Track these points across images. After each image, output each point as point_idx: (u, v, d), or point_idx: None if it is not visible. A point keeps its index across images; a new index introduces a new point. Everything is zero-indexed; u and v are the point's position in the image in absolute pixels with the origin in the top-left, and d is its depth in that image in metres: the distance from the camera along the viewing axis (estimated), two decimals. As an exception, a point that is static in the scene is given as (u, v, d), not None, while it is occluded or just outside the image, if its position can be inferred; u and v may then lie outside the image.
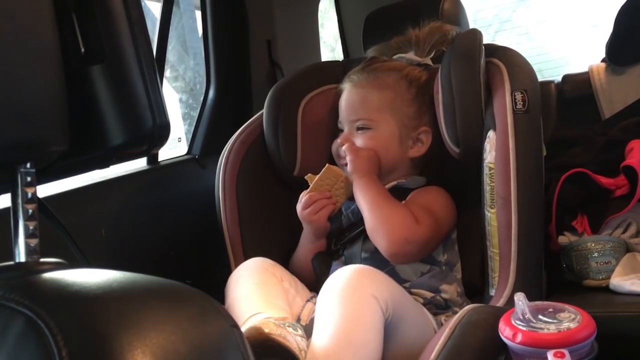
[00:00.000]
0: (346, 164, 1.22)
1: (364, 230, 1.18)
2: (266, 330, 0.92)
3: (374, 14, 1.60)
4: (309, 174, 1.23)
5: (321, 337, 0.94)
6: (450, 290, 1.16)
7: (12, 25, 0.47)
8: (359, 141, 1.23)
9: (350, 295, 0.96)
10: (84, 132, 0.55)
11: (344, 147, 1.22)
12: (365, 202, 1.16)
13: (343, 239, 1.22)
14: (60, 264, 0.49)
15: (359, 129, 1.24)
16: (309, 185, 1.22)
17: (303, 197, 1.23)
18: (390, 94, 1.24)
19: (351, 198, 1.22)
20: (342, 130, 1.28)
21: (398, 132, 1.23)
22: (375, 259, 1.16)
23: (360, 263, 1.17)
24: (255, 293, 1.10)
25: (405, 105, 1.24)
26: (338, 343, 0.92)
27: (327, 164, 1.23)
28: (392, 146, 1.23)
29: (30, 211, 0.51)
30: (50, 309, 0.40)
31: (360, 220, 1.20)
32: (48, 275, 0.46)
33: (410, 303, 1.08)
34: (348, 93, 1.27)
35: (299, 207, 1.23)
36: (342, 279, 0.98)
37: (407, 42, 1.33)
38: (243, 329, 0.95)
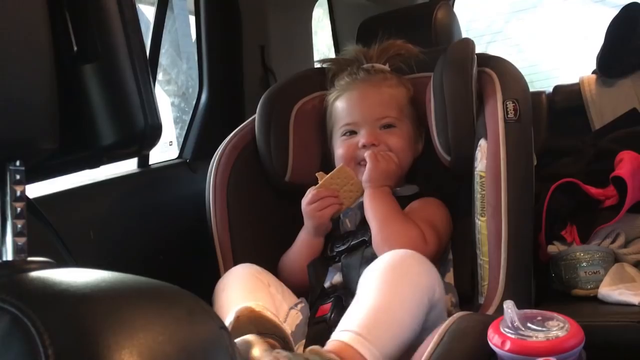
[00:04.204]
0: (360, 163, 1.21)
1: (365, 241, 1.17)
2: (258, 310, 0.93)
3: (367, 22, 1.61)
4: (320, 172, 1.23)
5: (362, 304, 0.94)
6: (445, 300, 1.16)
7: (3, 22, 0.47)
8: (389, 139, 1.22)
9: (403, 278, 0.96)
10: (75, 131, 0.55)
11: (366, 153, 1.20)
12: (375, 214, 1.15)
13: (340, 246, 1.22)
14: (48, 263, 0.49)
15: (384, 127, 1.24)
16: (318, 183, 1.21)
17: (310, 192, 1.22)
18: (403, 93, 1.27)
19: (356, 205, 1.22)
20: (347, 134, 1.26)
21: (413, 132, 1.26)
22: None
23: (359, 272, 1.15)
24: (242, 299, 1.09)
25: (412, 106, 1.28)
26: (377, 313, 0.92)
27: (341, 164, 1.22)
28: (411, 146, 1.26)
29: (19, 209, 0.51)
30: (36, 307, 0.39)
31: (361, 229, 1.20)
32: (35, 273, 0.45)
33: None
34: (363, 92, 1.26)
35: (304, 201, 1.22)
36: (403, 258, 0.99)
37: (355, 60, 1.33)
38: (230, 318, 0.95)
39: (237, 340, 0.85)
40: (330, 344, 0.90)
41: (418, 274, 0.98)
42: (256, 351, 0.82)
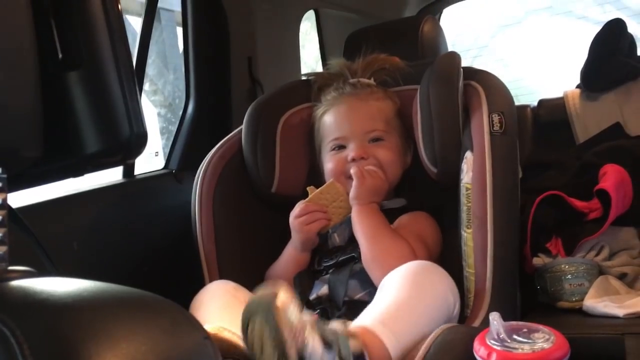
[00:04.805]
0: (349, 177, 1.20)
1: (355, 257, 1.17)
2: (213, 332, 0.92)
3: (354, 36, 1.61)
4: (310, 186, 1.22)
5: (384, 299, 0.96)
6: None
7: (-12, 28, 0.46)
8: (378, 152, 1.22)
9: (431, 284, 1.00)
10: (59, 139, 0.54)
11: (352, 170, 1.20)
12: (364, 231, 1.15)
13: (329, 261, 1.21)
14: (29, 273, 0.48)
15: (372, 140, 1.24)
16: (307, 196, 1.21)
17: (299, 205, 1.21)
18: (390, 106, 1.27)
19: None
20: (336, 149, 1.26)
21: (401, 144, 1.27)
22: (360, 280, 1.15)
23: (347, 285, 1.15)
24: (216, 315, 1.07)
25: (399, 118, 1.28)
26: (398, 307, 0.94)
27: (331, 179, 1.22)
28: (400, 158, 1.26)
29: (0, 218, 0.50)
30: (16, 317, 0.38)
31: (350, 245, 1.19)
32: (16, 283, 0.44)
33: None
34: (351, 106, 1.26)
35: (292, 214, 1.21)
36: (429, 269, 1.02)
37: (339, 75, 1.34)
38: None
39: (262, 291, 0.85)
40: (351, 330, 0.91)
41: (441, 283, 1.01)
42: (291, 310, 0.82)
